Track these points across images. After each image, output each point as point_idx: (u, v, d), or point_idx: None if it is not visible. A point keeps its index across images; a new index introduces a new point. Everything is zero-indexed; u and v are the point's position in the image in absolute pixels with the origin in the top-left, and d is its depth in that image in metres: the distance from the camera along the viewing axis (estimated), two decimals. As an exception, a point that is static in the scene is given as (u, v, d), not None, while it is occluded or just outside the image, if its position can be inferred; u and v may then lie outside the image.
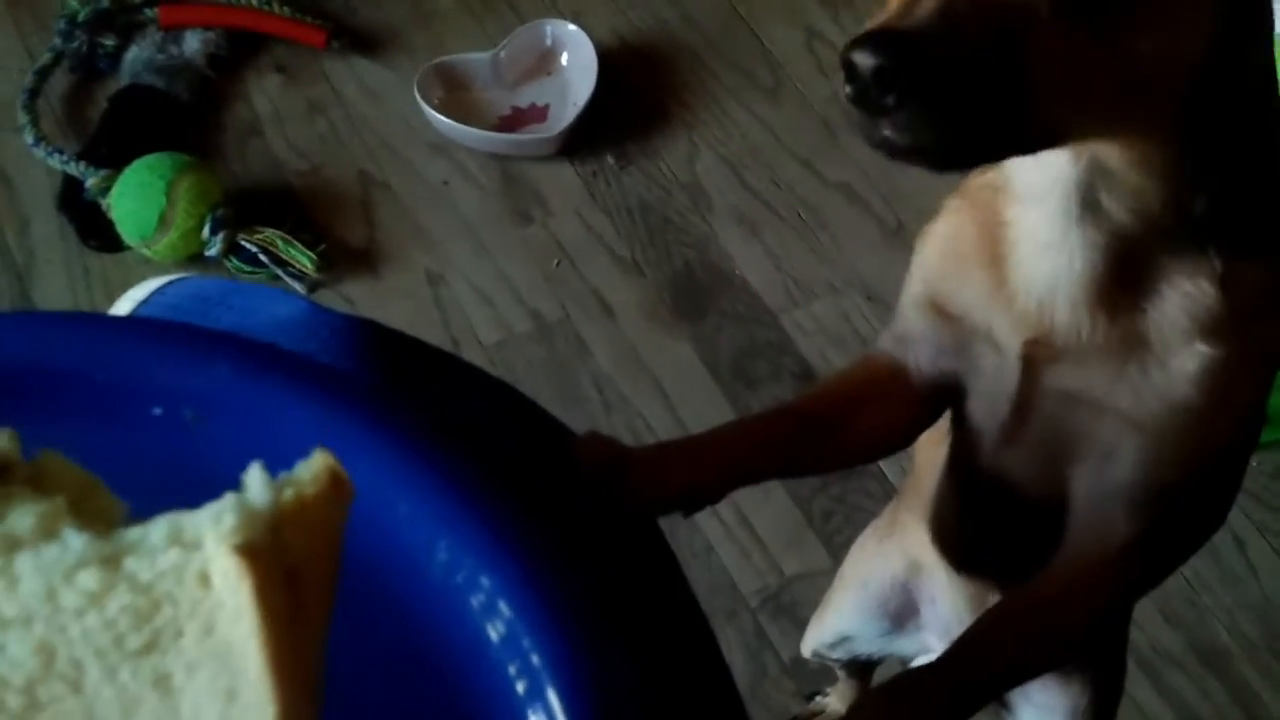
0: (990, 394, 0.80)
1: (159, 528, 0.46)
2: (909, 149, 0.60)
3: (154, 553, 0.44)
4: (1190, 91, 0.66)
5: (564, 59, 1.92)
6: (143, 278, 0.88)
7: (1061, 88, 0.61)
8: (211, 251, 1.67)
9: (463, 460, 0.63)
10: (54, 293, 1.70)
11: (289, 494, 0.47)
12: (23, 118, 1.80)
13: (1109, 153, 0.68)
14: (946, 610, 1.03)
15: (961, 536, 0.95)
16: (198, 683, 0.43)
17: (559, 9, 1.98)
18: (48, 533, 0.44)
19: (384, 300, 1.70)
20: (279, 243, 1.69)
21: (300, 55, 1.95)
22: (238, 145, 1.86)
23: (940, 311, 0.79)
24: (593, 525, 0.71)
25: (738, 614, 1.47)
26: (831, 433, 0.80)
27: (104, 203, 1.69)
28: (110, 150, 1.74)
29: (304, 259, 1.69)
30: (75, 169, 1.73)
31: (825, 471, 0.82)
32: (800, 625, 1.25)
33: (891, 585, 1.09)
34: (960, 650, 0.77)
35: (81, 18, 1.87)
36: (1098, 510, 0.78)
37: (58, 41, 1.87)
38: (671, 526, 0.76)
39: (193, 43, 1.90)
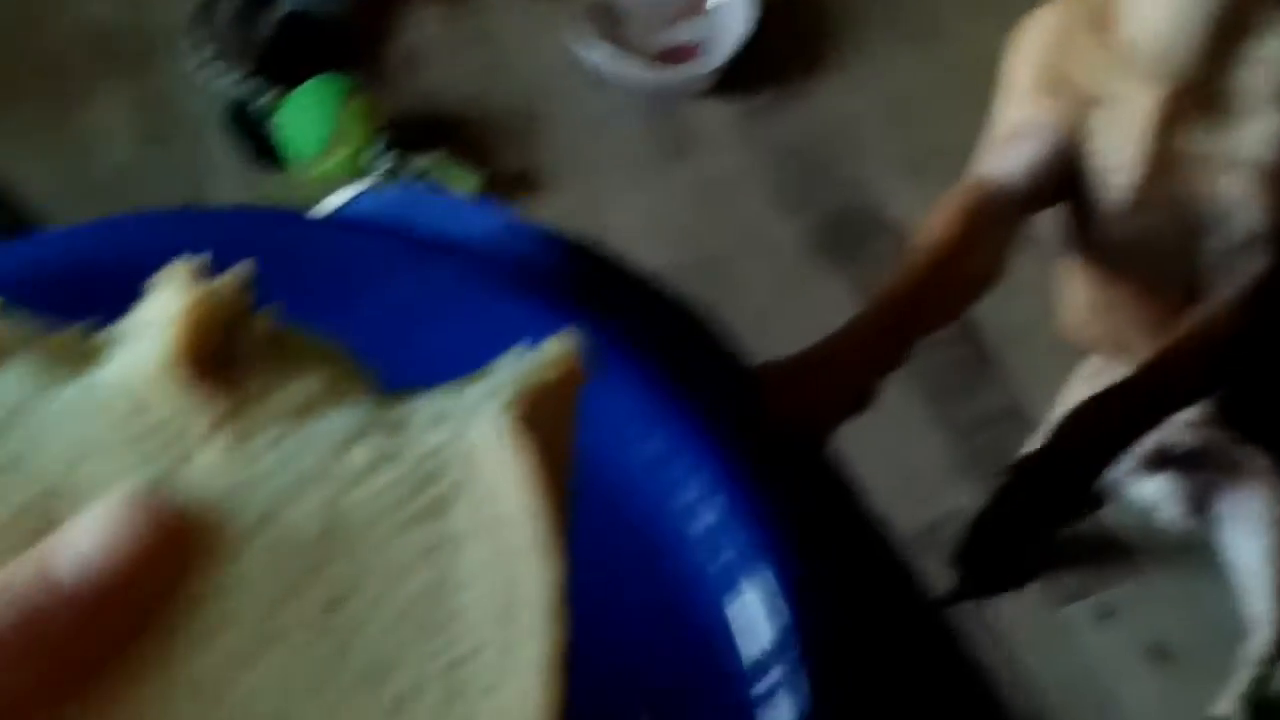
0: (1114, 164, 0.83)
1: (425, 405, 0.47)
2: None
3: (424, 428, 0.45)
4: None
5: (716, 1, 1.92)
6: (309, 197, 0.90)
7: None
8: (375, 174, 1.70)
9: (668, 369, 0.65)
10: (243, 199, 1.73)
11: (539, 376, 0.48)
12: (190, 41, 1.83)
13: None
14: None
15: (1118, 322, 0.97)
16: (472, 555, 0.43)
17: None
18: (311, 412, 0.43)
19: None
20: (444, 165, 1.71)
21: (459, -12, 1.97)
22: (401, 73, 1.88)
23: (1055, 88, 0.82)
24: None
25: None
26: (947, 289, 0.84)
27: (272, 123, 1.72)
28: (278, 74, 1.77)
29: (468, 181, 1.71)
30: (244, 89, 1.76)
31: (954, 318, 0.84)
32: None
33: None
34: (1142, 369, 0.82)
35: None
36: (1234, 255, 0.83)
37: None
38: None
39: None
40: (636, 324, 0.73)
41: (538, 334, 0.56)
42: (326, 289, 0.66)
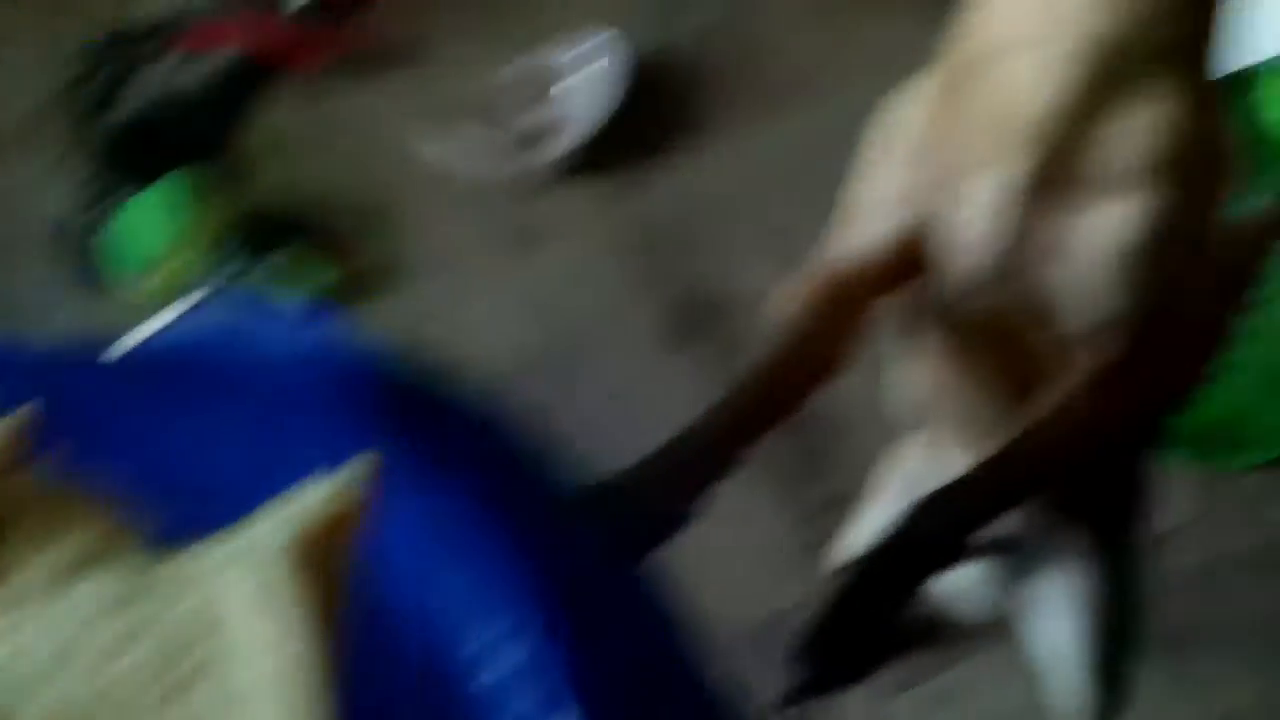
0: (971, 240, 0.82)
1: (202, 554, 0.46)
2: None
3: (198, 580, 0.45)
4: None
5: (569, 83, 1.93)
6: (157, 302, 0.89)
7: None
8: (226, 273, 1.69)
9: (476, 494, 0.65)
10: (61, 322, 1.71)
11: (325, 508, 0.48)
12: (36, 142, 1.81)
13: None
14: None
15: (963, 404, 0.97)
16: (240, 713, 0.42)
17: (565, 33, 1.99)
18: (71, 576, 0.44)
19: (393, 322, 1.71)
20: (293, 263, 1.70)
21: (307, 80, 1.96)
22: (253, 168, 1.87)
23: (913, 162, 0.82)
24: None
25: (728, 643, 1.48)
26: (795, 381, 0.84)
27: (117, 227, 1.71)
28: (127, 174, 1.76)
29: (318, 279, 1.70)
30: (89, 193, 1.75)
31: (800, 411, 0.85)
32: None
33: (915, 474, 1.13)
34: (981, 466, 0.82)
35: (98, 43, 1.88)
36: (1086, 336, 0.82)
37: (74, 67, 1.88)
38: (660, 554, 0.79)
39: (204, 67, 1.91)
40: (450, 447, 0.73)
41: (338, 461, 0.56)
42: (121, 430, 0.65)
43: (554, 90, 1.93)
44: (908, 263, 0.85)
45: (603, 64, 1.90)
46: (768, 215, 1.81)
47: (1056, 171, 0.78)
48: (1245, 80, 1.38)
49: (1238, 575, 1.52)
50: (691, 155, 1.89)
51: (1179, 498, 1.54)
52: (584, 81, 1.92)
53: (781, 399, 0.83)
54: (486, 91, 1.91)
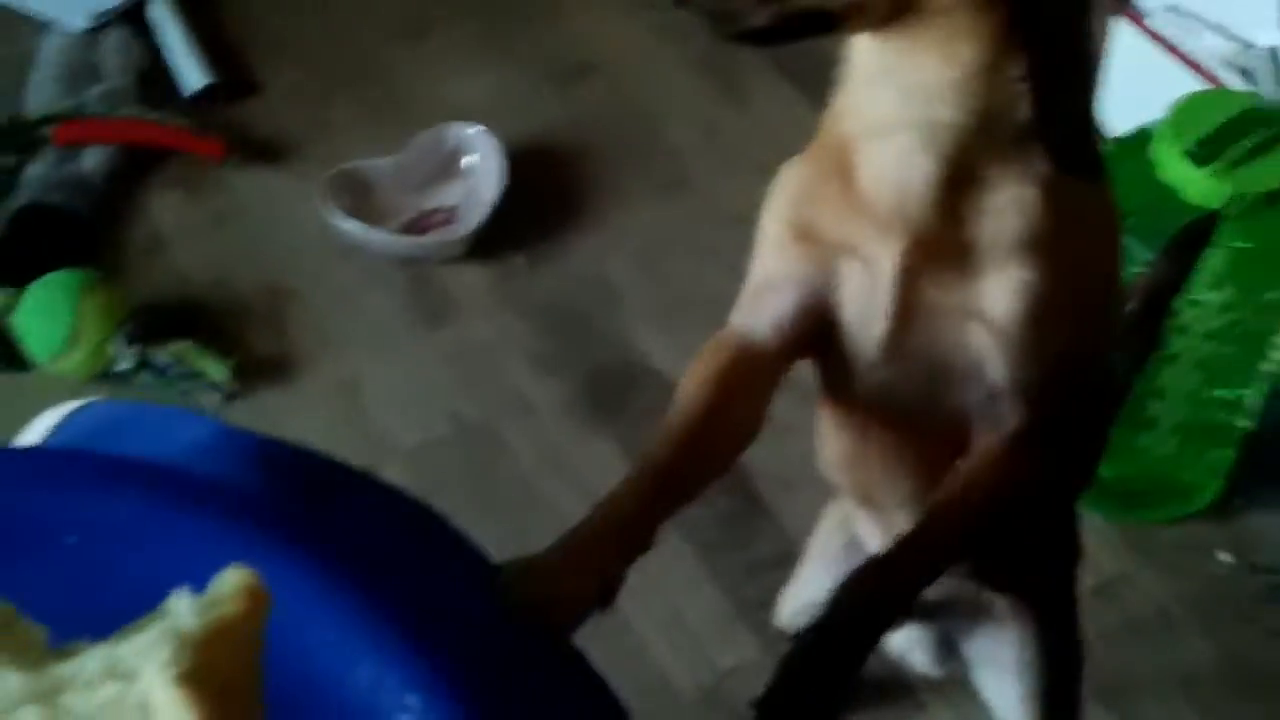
0: (863, 315, 0.85)
1: (94, 659, 0.44)
2: (717, 28, 0.74)
3: (91, 685, 0.43)
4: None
5: (469, 160, 1.92)
6: (51, 397, 0.87)
7: None
8: (121, 368, 1.65)
9: (377, 585, 0.64)
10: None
11: (213, 614, 0.46)
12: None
13: (943, 60, 0.76)
14: None
15: (869, 473, 0.98)
16: None
17: (463, 111, 1.99)
18: None
19: (298, 409, 1.69)
20: (191, 354, 1.67)
21: (200, 168, 1.93)
22: (142, 260, 1.83)
23: (803, 240, 0.84)
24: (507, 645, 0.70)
25: (673, 713, 1.46)
26: (706, 453, 0.83)
27: (8, 322, 1.66)
28: (12, 269, 1.71)
29: (217, 369, 1.67)
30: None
31: (712, 483, 0.85)
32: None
33: (844, 546, 1.14)
34: (901, 542, 0.83)
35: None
36: (984, 409, 0.85)
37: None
38: (600, 628, 0.77)
39: (91, 159, 1.88)
40: (348, 536, 0.71)
41: (231, 557, 0.54)
42: (11, 529, 0.63)
43: (452, 171, 1.92)
44: (810, 336, 0.87)
45: (497, 147, 1.89)
46: (662, 291, 1.82)
47: (932, 249, 0.81)
48: (1140, 141, 1.40)
49: (1169, 626, 1.54)
50: (586, 234, 1.89)
51: (1107, 553, 1.56)
52: (480, 164, 1.91)
53: (692, 471, 0.83)
54: (384, 173, 1.90)
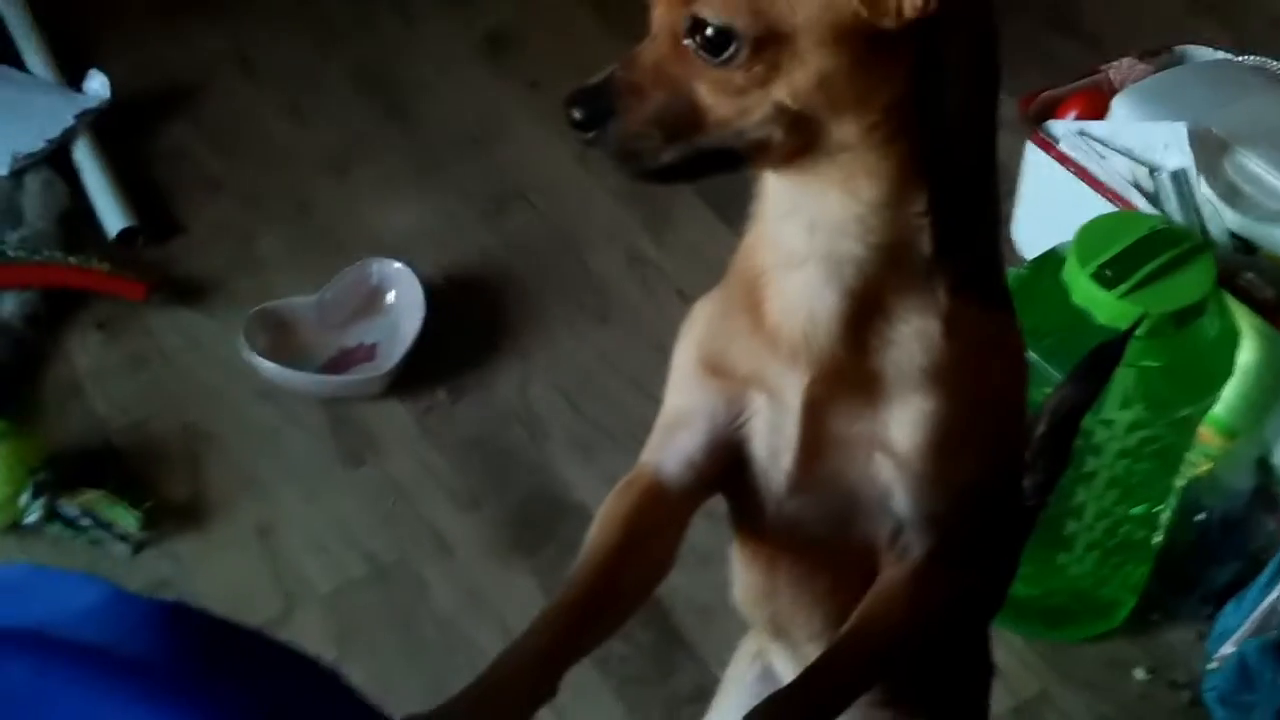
0: (771, 449, 0.85)
1: None
2: (624, 167, 0.78)
3: None
4: (894, 138, 0.76)
5: (391, 297, 1.92)
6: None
7: (729, 121, 0.75)
8: (31, 518, 1.63)
9: None
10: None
11: None
12: None
13: (847, 196, 0.78)
14: None
15: (779, 606, 0.97)
16: None
17: (385, 248, 1.99)
18: None
19: (213, 555, 1.66)
20: (102, 504, 1.65)
21: (121, 310, 1.93)
22: (58, 406, 1.82)
23: (715, 372, 0.84)
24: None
25: None
26: (615, 595, 0.83)
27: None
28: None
29: (128, 519, 1.64)
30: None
31: (624, 622, 0.86)
32: None
33: (758, 678, 1.14)
34: (810, 672, 0.83)
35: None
36: (891, 539, 0.85)
37: None
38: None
39: (8, 304, 1.87)
40: (241, 701, 0.70)
41: None
42: None
43: (375, 307, 1.92)
44: (721, 470, 0.87)
45: (417, 282, 1.89)
46: (586, 422, 1.81)
47: (838, 381, 0.82)
48: (1053, 264, 1.42)
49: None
50: (509, 366, 1.89)
51: (1027, 674, 1.55)
52: (401, 299, 1.90)
53: (601, 614, 0.83)
54: (306, 311, 1.89)
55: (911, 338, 0.81)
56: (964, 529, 0.86)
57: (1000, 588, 1.07)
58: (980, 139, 0.81)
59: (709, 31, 0.74)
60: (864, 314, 0.80)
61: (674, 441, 0.86)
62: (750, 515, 0.91)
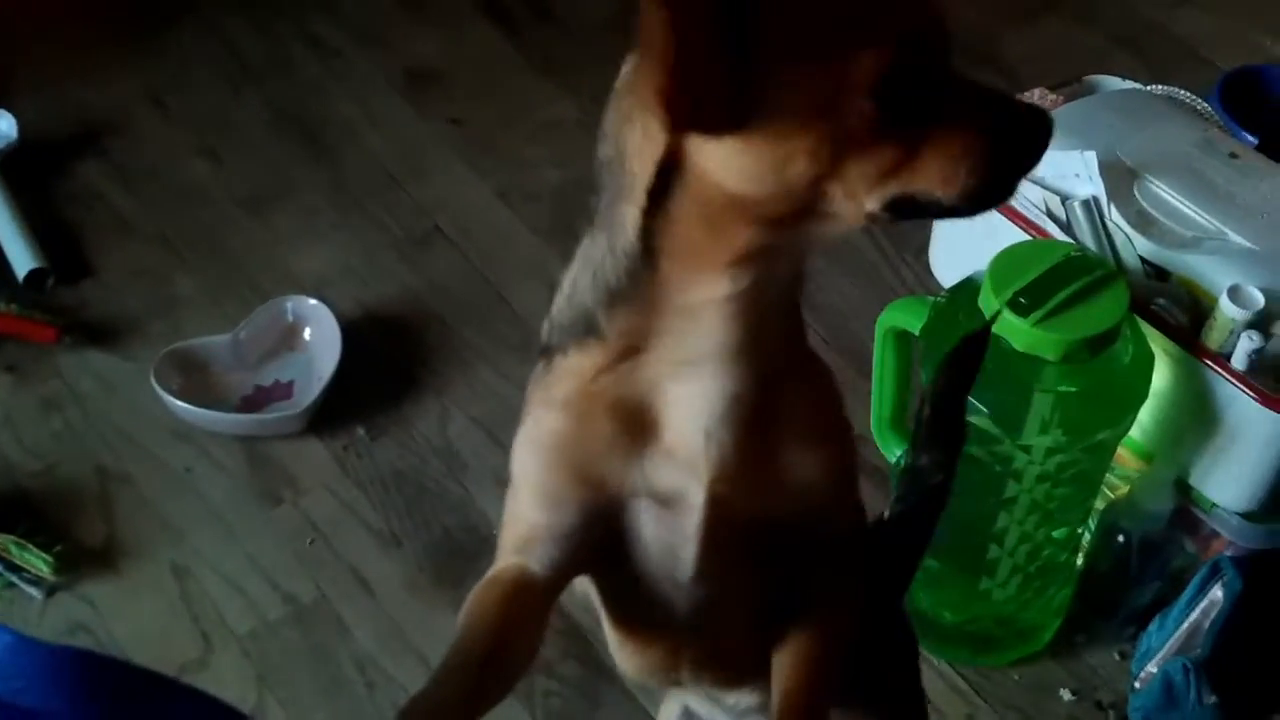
0: (666, 545, 0.85)
1: None
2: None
3: None
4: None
5: (307, 334, 1.90)
6: None
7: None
8: (-64, 567, 1.59)
9: None
10: None
11: None
12: None
13: (755, 299, 0.77)
14: None
15: (678, 673, 0.98)
16: None
17: (303, 285, 1.98)
18: None
19: (128, 599, 1.63)
20: (11, 548, 1.61)
21: (30, 352, 1.89)
22: (-37, 452, 1.78)
23: (582, 489, 0.83)
24: None
25: None
26: (486, 685, 0.81)
27: None
28: None
29: (39, 563, 1.61)
30: None
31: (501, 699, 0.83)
32: None
33: (680, 715, 1.15)
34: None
35: None
36: (805, 576, 0.88)
37: None
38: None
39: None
40: None
41: None
42: None
43: (291, 344, 1.90)
44: (584, 569, 0.89)
45: (334, 320, 1.87)
46: (501, 457, 1.78)
47: (738, 470, 0.82)
48: (969, 292, 1.43)
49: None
50: (428, 402, 1.87)
51: (955, 700, 1.56)
52: (317, 336, 1.89)
53: (478, 693, 0.81)
54: (220, 350, 1.87)
55: (793, 396, 0.82)
56: (852, 541, 0.90)
57: (903, 565, 1.12)
58: None
59: None
60: (764, 394, 0.80)
61: (540, 549, 0.85)
62: (637, 602, 0.91)
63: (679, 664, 0.97)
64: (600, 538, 0.85)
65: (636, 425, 0.81)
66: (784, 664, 0.88)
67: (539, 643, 0.86)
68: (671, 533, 0.85)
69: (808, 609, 0.89)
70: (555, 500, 0.84)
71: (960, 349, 1.08)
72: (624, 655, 0.99)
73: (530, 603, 0.85)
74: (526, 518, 0.86)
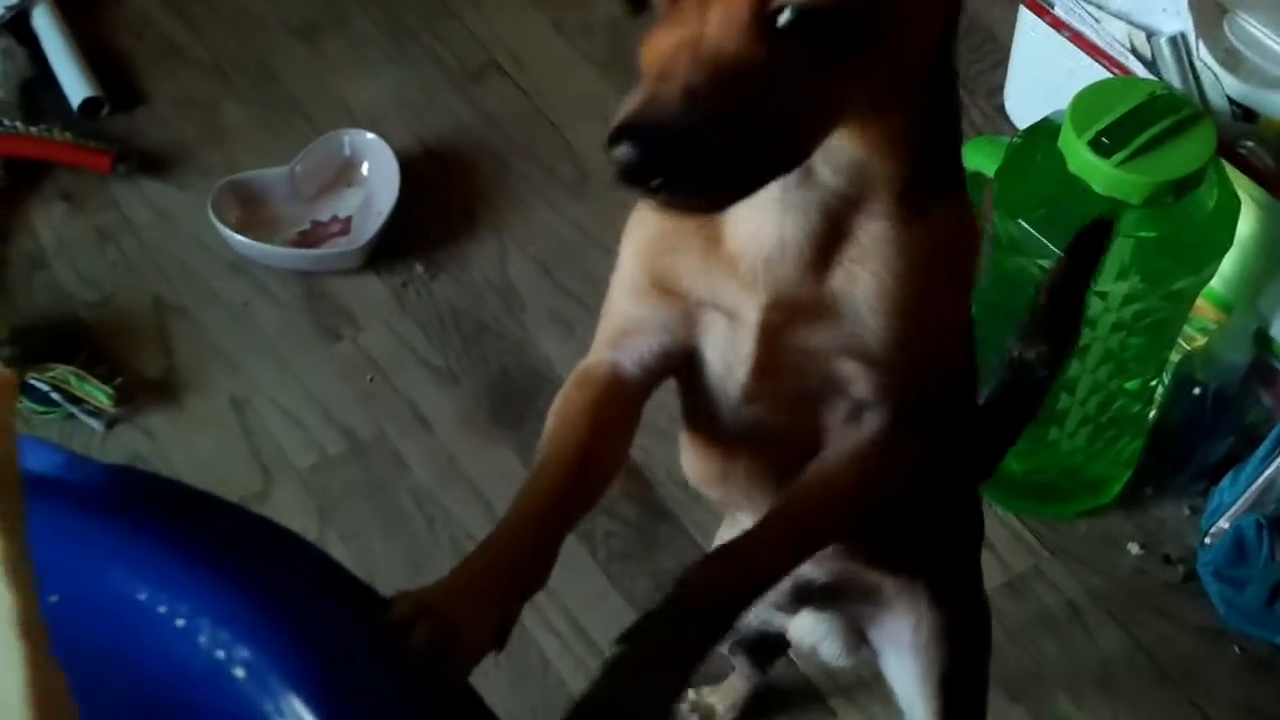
0: (726, 363, 0.84)
1: None
2: (684, 208, 0.68)
3: None
4: (920, 81, 0.74)
5: (365, 169, 1.87)
6: None
7: (812, 115, 0.68)
8: (-3, 393, 1.58)
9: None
10: None
11: None
12: None
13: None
14: None
15: (735, 489, 0.97)
16: None
17: (356, 119, 1.94)
18: None
19: (188, 431, 1.63)
20: (71, 379, 1.61)
21: (86, 181, 1.87)
22: (23, 279, 1.77)
23: (663, 290, 0.82)
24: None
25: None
26: (583, 483, 0.81)
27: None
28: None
29: (99, 394, 1.61)
30: None
31: (586, 516, 0.83)
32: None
33: None
34: (755, 531, 0.82)
35: None
36: (850, 416, 0.85)
37: None
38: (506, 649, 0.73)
39: (-29, 176, 1.81)
40: (203, 534, 0.69)
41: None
42: None
43: (348, 179, 1.87)
44: (670, 371, 0.87)
45: (392, 154, 1.84)
46: (564, 296, 1.78)
47: (794, 303, 0.80)
48: (1048, 133, 1.38)
49: (1079, 619, 1.52)
50: (486, 240, 1.85)
51: (1019, 549, 1.55)
52: (375, 171, 1.85)
53: (570, 507, 0.81)
54: (277, 183, 1.84)
55: (873, 250, 0.78)
56: (923, 401, 0.86)
57: (986, 454, 1.11)
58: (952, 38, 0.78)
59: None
60: (830, 237, 0.78)
61: (627, 343, 0.85)
62: (703, 412, 0.90)
63: (731, 480, 0.96)
64: (683, 341, 0.85)
65: (712, 237, 0.80)
66: (793, 486, 0.86)
67: (628, 447, 0.86)
68: (731, 348, 0.84)
69: (852, 447, 0.86)
70: (643, 294, 0.83)
71: (1082, 236, 1.05)
72: (686, 460, 0.99)
73: (620, 404, 0.84)
74: (621, 309, 0.85)
